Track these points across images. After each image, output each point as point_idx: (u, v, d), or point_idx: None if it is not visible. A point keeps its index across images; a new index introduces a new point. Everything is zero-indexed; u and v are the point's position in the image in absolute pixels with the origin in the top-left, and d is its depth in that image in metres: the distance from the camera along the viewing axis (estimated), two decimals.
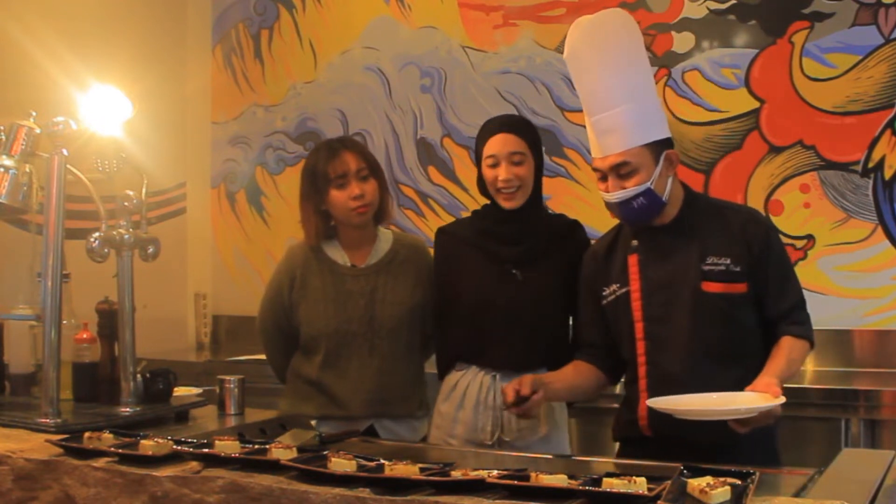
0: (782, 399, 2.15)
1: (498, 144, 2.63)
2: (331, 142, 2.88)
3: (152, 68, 4.56)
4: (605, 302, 2.50)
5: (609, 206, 2.44)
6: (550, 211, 3.03)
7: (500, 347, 2.65)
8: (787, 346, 2.35)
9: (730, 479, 1.63)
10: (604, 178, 2.41)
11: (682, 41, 4.20)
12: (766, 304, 2.40)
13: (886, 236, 3.83)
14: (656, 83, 4.22)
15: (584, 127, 4.25)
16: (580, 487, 1.66)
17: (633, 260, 2.46)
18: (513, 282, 2.65)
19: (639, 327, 2.42)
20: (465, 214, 4.51)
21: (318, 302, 2.80)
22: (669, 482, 1.65)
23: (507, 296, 2.65)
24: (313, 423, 2.76)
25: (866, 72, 3.87)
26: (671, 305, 2.40)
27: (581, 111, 4.31)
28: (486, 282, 2.67)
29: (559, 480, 1.69)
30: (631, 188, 2.35)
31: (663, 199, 2.39)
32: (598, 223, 4.22)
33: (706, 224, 2.43)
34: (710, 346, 2.37)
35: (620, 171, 2.36)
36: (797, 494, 1.79)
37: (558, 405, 2.73)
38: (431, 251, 2.91)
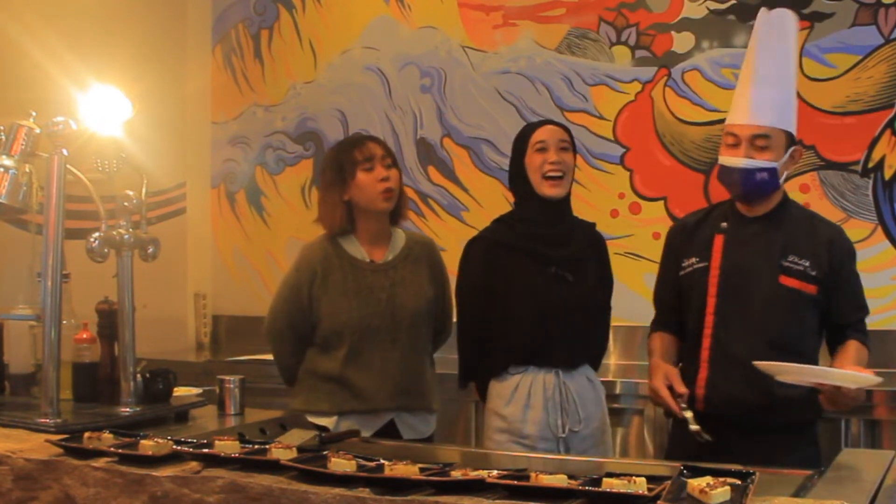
0: (879, 378, 2.31)
1: (547, 132, 2.78)
2: (353, 135, 2.99)
3: (152, 68, 4.56)
4: (682, 273, 2.65)
5: (727, 171, 2.57)
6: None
7: (561, 347, 2.76)
8: (856, 348, 2.57)
9: (730, 479, 1.64)
10: (734, 146, 2.54)
11: (682, 41, 4.20)
12: (838, 312, 2.60)
13: (886, 236, 3.83)
14: (656, 83, 4.24)
15: (584, 127, 4.32)
16: (580, 487, 1.66)
17: (718, 239, 2.61)
18: (564, 283, 2.76)
19: (711, 302, 2.57)
20: (465, 214, 4.55)
21: (341, 296, 2.82)
22: (669, 482, 1.65)
23: (561, 297, 2.75)
24: (333, 419, 2.78)
25: (866, 72, 3.87)
26: (746, 289, 2.56)
27: (580, 112, 4.36)
28: (539, 285, 2.76)
29: (559, 480, 1.69)
30: (760, 160, 2.51)
31: (780, 183, 2.56)
32: (597, 223, 4.25)
33: (794, 226, 2.60)
34: (773, 334, 2.53)
35: (758, 142, 2.52)
36: (797, 494, 1.79)
37: (602, 391, 2.87)
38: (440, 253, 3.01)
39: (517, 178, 2.81)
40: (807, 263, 2.53)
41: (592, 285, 2.82)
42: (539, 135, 2.77)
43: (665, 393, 2.49)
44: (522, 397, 2.74)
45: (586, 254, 2.83)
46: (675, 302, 2.69)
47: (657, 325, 2.76)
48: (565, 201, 2.80)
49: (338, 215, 2.84)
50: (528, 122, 4.32)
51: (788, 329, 2.54)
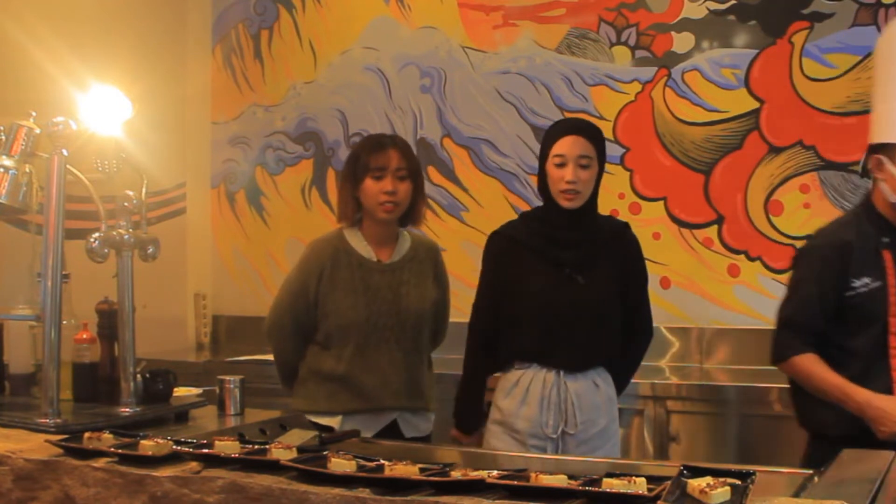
0: None
1: (568, 145, 2.70)
2: (380, 135, 2.98)
3: (152, 68, 4.56)
4: (853, 293, 2.53)
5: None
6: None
7: (565, 348, 2.72)
8: None
9: (730, 480, 1.63)
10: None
11: (682, 41, 4.20)
12: None
13: None
14: (656, 83, 4.23)
15: None
16: (580, 487, 1.66)
17: (887, 256, 2.53)
18: (574, 285, 2.73)
19: (893, 322, 2.49)
20: (465, 214, 4.55)
21: (348, 293, 2.84)
22: (669, 482, 1.65)
23: (569, 298, 2.73)
24: (337, 419, 2.80)
25: (866, 72, 3.87)
26: None
27: (580, 112, 4.35)
28: (549, 285, 2.74)
29: (559, 480, 1.69)
30: None
31: None
32: None
33: None
34: None
35: None
36: (797, 494, 1.79)
37: (612, 397, 2.80)
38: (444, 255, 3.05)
39: (540, 179, 2.78)
40: None
41: (609, 288, 2.76)
42: (559, 147, 2.70)
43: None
44: (520, 392, 2.74)
45: (604, 255, 2.77)
46: (822, 324, 2.56)
47: (805, 346, 2.57)
48: (585, 207, 2.75)
49: (349, 209, 2.89)
50: (529, 122, 4.39)
51: None
